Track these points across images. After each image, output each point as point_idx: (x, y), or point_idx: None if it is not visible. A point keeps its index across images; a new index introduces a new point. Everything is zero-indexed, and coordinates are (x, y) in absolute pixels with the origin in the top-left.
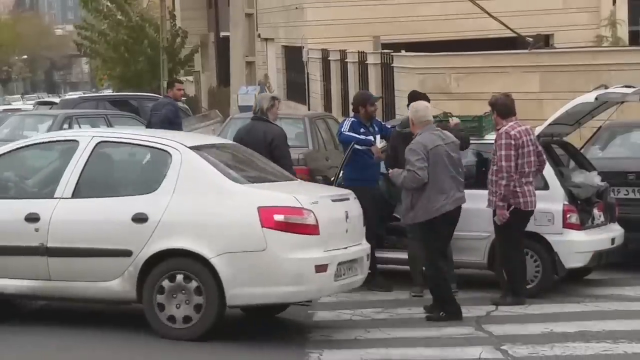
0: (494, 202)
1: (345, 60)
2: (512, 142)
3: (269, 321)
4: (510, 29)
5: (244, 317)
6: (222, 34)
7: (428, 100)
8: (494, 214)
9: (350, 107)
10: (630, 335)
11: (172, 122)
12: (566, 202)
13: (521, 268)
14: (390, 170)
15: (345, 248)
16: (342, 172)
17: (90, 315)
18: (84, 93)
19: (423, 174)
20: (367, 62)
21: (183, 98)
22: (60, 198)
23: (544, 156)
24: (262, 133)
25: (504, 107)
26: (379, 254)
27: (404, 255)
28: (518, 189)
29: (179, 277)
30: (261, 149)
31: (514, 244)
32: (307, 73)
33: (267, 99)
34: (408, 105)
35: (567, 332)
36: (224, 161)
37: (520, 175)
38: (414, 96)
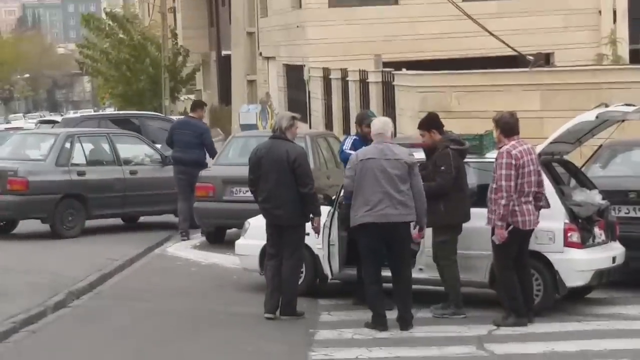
0: (493, 220)
1: (347, 78)
2: (513, 161)
3: (270, 338)
4: (511, 48)
5: (245, 334)
6: (224, 52)
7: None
8: (493, 233)
9: (352, 125)
10: (631, 354)
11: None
12: (567, 221)
13: (529, 288)
14: None
15: None
16: (342, 190)
17: None
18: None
19: (347, 182)
20: (368, 80)
21: (181, 116)
22: None
23: (542, 176)
24: (284, 152)
25: (507, 126)
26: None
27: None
28: (517, 208)
29: None
30: (283, 168)
31: (510, 263)
32: (309, 91)
33: (287, 118)
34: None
35: (569, 351)
36: None
37: (520, 195)
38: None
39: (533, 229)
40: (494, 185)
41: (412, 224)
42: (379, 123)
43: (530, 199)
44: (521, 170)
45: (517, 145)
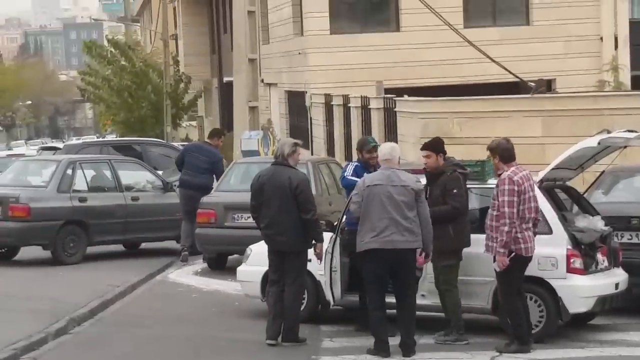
0: (493, 248)
1: (348, 104)
2: (516, 188)
3: None
4: (513, 74)
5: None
6: (226, 79)
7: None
8: (494, 260)
9: (354, 151)
10: None
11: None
12: (570, 247)
13: (525, 314)
14: None
15: None
16: (344, 216)
17: None
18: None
19: (353, 207)
20: (370, 106)
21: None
22: None
23: (538, 202)
24: (286, 178)
25: (506, 152)
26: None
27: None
28: (519, 235)
29: None
30: (285, 194)
31: (514, 289)
32: (310, 117)
33: (289, 145)
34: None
35: None
36: None
37: (521, 221)
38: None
39: (532, 256)
40: (495, 213)
41: (417, 251)
42: (386, 149)
43: (530, 225)
44: (522, 196)
45: (517, 172)
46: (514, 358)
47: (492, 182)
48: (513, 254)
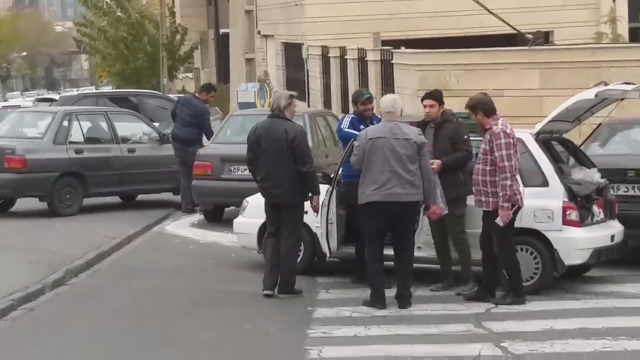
0: (488, 202)
1: (345, 57)
2: (511, 140)
3: (268, 316)
4: (510, 26)
5: (243, 312)
6: (222, 30)
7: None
8: (488, 215)
9: (350, 103)
10: (630, 332)
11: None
12: (566, 199)
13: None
14: None
15: None
16: (341, 169)
17: None
18: (78, 89)
19: (354, 159)
20: (366, 58)
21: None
22: None
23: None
24: (283, 131)
25: (487, 105)
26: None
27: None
28: (515, 187)
29: None
30: (282, 146)
31: (511, 242)
32: (307, 70)
33: (285, 97)
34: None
35: (567, 329)
36: None
37: (516, 173)
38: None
39: None
40: (489, 167)
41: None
42: (389, 101)
43: (517, 174)
44: (514, 148)
45: (506, 124)
46: (509, 309)
47: None
48: (515, 206)
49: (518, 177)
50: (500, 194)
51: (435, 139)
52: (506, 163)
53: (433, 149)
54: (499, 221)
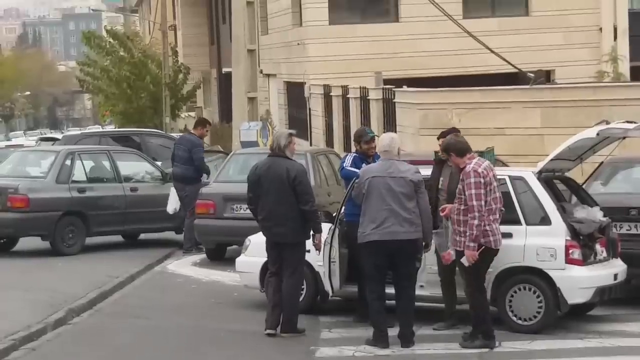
0: (461, 242)
1: (347, 95)
2: (482, 180)
3: (271, 356)
4: (512, 65)
5: (245, 351)
6: (225, 70)
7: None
8: (459, 255)
9: (352, 142)
10: None
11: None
12: (568, 238)
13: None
14: None
15: None
16: (343, 207)
17: None
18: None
19: (354, 194)
20: (369, 97)
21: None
22: None
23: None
24: (284, 170)
25: (459, 145)
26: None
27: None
28: (487, 227)
29: None
30: (283, 185)
31: (481, 284)
32: (309, 108)
33: (285, 136)
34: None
35: None
36: None
37: (488, 213)
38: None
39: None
40: (462, 207)
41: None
42: (386, 140)
43: (497, 216)
44: (488, 187)
45: (480, 163)
46: (513, 347)
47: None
48: (482, 247)
49: (496, 216)
50: (467, 234)
51: (450, 179)
52: (475, 202)
53: (447, 188)
54: (464, 261)
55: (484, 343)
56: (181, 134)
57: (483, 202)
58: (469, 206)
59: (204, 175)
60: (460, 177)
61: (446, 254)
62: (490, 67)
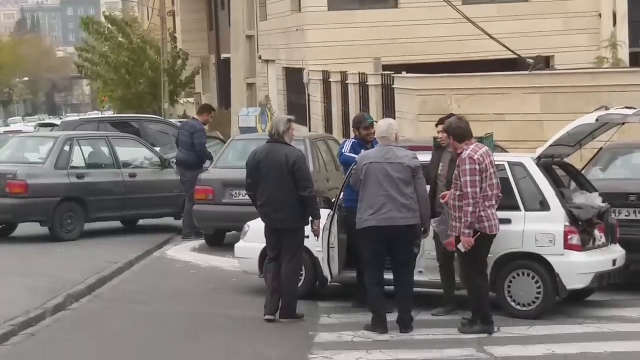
0: (457, 228)
1: (346, 81)
2: (477, 166)
3: (269, 341)
4: (511, 51)
5: (244, 337)
6: (223, 55)
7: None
8: (456, 241)
9: (351, 128)
10: (631, 357)
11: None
12: (567, 223)
13: (487, 294)
14: None
15: None
16: (342, 193)
17: None
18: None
19: (352, 180)
20: (367, 83)
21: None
22: None
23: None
24: (283, 156)
25: (460, 131)
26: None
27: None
28: (482, 213)
29: None
30: (282, 171)
31: (479, 269)
32: (308, 94)
33: (283, 122)
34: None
35: (569, 353)
36: None
37: (484, 199)
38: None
39: (496, 234)
40: (458, 192)
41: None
42: (383, 126)
43: (494, 202)
44: (484, 173)
45: (477, 149)
46: (511, 333)
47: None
48: (478, 233)
49: (492, 202)
50: (462, 220)
51: (450, 164)
52: (469, 189)
53: (447, 174)
54: (460, 247)
55: (483, 328)
56: (181, 119)
57: (478, 189)
58: (464, 192)
59: (207, 162)
60: (457, 163)
61: (449, 242)
62: (489, 53)
